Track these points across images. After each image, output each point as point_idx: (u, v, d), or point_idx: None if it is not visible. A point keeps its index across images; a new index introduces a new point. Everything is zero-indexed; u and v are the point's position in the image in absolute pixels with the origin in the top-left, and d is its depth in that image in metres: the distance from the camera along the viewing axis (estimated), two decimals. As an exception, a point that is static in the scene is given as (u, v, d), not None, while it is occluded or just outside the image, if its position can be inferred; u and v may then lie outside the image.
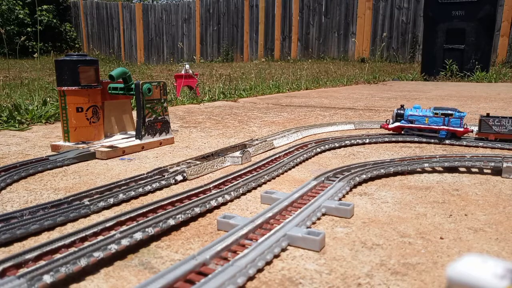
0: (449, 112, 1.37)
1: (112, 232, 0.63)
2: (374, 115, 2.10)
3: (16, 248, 0.64)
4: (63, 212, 0.73)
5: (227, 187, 0.86)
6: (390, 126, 1.45)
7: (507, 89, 3.85)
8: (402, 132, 1.46)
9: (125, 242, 0.61)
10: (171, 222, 0.69)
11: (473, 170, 1.06)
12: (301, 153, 1.19)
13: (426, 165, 1.04)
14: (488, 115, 1.35)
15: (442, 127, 1.37)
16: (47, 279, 0.51)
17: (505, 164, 0.99)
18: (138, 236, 0.63)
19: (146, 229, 0.65)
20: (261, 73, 5.55)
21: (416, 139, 1.41)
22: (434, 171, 1.06)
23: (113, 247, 0.59)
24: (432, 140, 1.40)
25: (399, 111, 1.45)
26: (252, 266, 0.55)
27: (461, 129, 1.36)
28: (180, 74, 2.97)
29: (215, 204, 0.79)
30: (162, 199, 0.77)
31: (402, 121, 1.44)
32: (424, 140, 1.41)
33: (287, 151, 1.20)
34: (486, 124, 1.34)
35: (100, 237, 0.62)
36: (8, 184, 0.95)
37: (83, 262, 0.55)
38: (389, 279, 0.54)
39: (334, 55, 8.75)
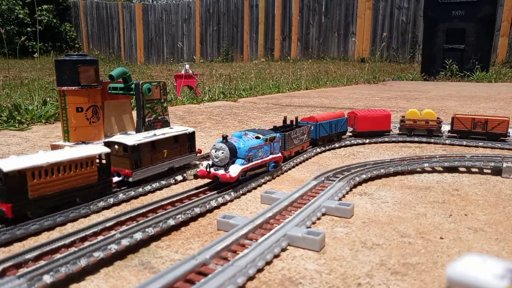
0: (272, 135, 0.98)
1: (112, 232, 0.63)
2: (374, 115, 2.10)
3: (16, 248, 0.64)
4: (63, 212, 0.73)
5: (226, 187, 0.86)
6: (231, 174, 0.84)
7: (507, 89, 3.85)
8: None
9: (125, 242, 0.61)
10: (171, 222, 0.69)
11: (473, 170, 1.06)
12: (301, 153, 1.19)
13: (426, 165, 1.04)
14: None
15: (269, 156, 0.98)
16: (47, 279, 0.51)
17: (505, 164, 0.99)
18: (138, 236, 0.63)
19: (146, 229, 0.65)
20: (261, 73, 5.55)
21: (416, 139, 1.41)
22: (434, 171, 1.06)
23: (113, 247, 0.59)
24: (432, 140, 1.40)
25: (231, 147, 0.87)
26: (252, 266, 0.55)
27: (279, 155, 1.02)
28: (180, 74, 2.97)
29: (215, 204, 0.79)
30: (162, 199, 0.77)
31: (240, 160, 0.88)
32: (424, 140, 1.41)
33: (287, 151, 1.20)
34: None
35: (100, 237, 0.62)
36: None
37: (83, 262, 0.55)
38: (389, 279, 0.54)
39: (334, 55, 8.75)
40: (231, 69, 6.54)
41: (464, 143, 1.36)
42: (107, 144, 0.88)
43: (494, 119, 1.36)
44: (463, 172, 1.04)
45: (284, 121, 1.22)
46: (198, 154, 1.10)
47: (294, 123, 1.21)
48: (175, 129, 1.03)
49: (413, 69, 6.22)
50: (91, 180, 0.79)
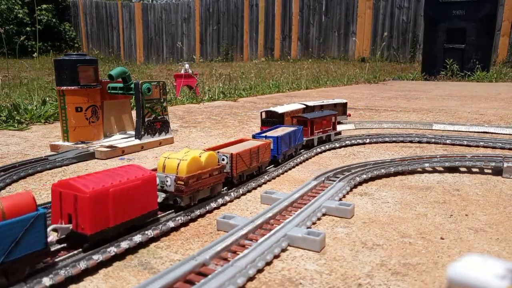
0: None
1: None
2: (375, 115, 2.10)
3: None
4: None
5: (226, 187, 0.85)
6: None
7: (508, 88, 3.85)
8: None
9: (124, 244, 0.60)
10: (171, 224, 0.69)
11: (474, 170, 1.06)
12: (301, 153, 1.19)
13: (426, 165, 1.04)
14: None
15: None
16: (47, 281, 0.50)
17: (505, 164, 0.99)
18: (138, 238, 0.62)
19: (146, 232, 0.64)
20: (261, 73, 5.55)
21: (416, 138, 1.41)
22: (434, 171, 1.05)
23: (113, 250, 0.59)
24: (433, 140, 1.40)
25: None
26: (252, 266, 0.54)
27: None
28: (180, 74, 2.96)
29: (215, 205, 0.79)
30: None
31: None
32: (425, 140, 1.40)
33: (287, 150, 1.20)
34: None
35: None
36: (7, 184, 0.95)
37: (82, 265, 0.54)
38: (389, 279, 0.54)
39: (334, 54, 8.74)
40: (231, 69, 6.54)
41: (465, 143, 1.35)
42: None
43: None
44: (463, 172, 1.04)
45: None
46: (348, 117, 1.76)
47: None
48: (335, 100, 1.68)
49: (414, 69, 6.22)
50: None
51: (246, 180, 0.90)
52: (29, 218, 0.48)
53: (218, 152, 0.85)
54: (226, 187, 0.85)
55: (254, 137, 1.05)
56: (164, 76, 5.42)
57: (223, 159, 0.85)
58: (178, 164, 0.72)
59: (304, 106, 1.57)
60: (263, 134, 1.06)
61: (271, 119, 1.36)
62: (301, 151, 1.20)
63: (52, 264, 0.53)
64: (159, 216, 0.69)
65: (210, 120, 1.97)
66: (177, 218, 0.71)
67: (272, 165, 1.03)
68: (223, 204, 0.82)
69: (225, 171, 0.84)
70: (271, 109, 1.35)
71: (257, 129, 1.69)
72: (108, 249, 0.58)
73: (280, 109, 1.36)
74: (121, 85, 1.36)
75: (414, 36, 7.85)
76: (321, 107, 1.66)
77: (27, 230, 0.48)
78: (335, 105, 1.71)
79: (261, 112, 1.39)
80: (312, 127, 1.23)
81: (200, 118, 2.02)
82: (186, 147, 1.36)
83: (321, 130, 1.27)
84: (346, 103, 1.76)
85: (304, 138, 1.20)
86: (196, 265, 0.53)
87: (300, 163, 1.14)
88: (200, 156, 0.75)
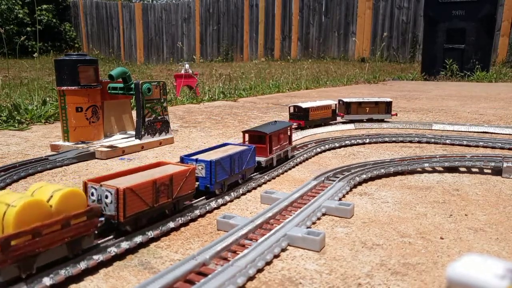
0: None
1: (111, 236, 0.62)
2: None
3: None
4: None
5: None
6: None
7: (508, 89, 3.85)
8: None
9: (124, 245, 0.60)
10: (171, 224, 0.69)
11: (474, 170, 1.06)
12: (301, 153, 1.19)
13: (426, 165, 1.04)
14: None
15: None
16: (47, 281, 0.51)
17: (505, 164, 0.99)
18: (138, 239, 0.62)
19: (146, 232, 0.65)
20: (261, 73, 5.55)
21: (416, 138, 1.41)
22: (434, 171, 1.05)
23: (113, 250, 0.59)
24: (433, 140, 1.40)
25: None
26: (252, 266, 0.55)
27: None
28: (180, 74, 2.97)
29: (215, 206, 0.79)
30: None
31: None
32: (425, 140, 1.40)
33: (287, 151, 1.20)
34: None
35: (100, 240, 0.61)
36: (8, 184, 0.95)
37: (82, 265, 0.55)
38: (389, 279, 0.54)
39: (334, 54, 8.74)
40: (231, 69, 6.54)
41: (465, 142, 1.36)
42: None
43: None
44: (463, 172, 1.04)
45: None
46: (393, 116, 1.76)
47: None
48: (377, 98, 1.74)
49: (413, 69, 6.22)
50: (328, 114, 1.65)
51: (148, 224, 0.66)
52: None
53: (101, 185, 0.61)
54: (111, 236, 0.61)
55: (182, 160, 0.81)
56: (164, 76, 5.42)
57: (106, 196, 0.61)
58: (4, 213, 0.48)
59: (334, 103, 1.66)
60: (194, 157, 0.81)
61: (297, 113, 1.59)
62: (254, 175, 0.95)
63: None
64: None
65: (210, 120, 1.97)
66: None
67: (202, 198, 0.79)
68: (223, 204, 0.82)
69: (109, 213, 0.60)
70: (298, 104, 1.58)
71: (257, 129, 1.70)
72: (108, 249, 0.58)
73: (305, 104, 1.58)
74: (121, 85, 1.36)
75: (414, 36, 7.85)
76: (360, 104, 1.71)
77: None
78: (376, 103, 1.71)
79: (289, 107, 1.62)
80: (271, 144, 1.00)
81: (200, 118, 2.02)
82: (186, 146, 1.36)
83: (279, 146, 1.05)
84: (390, 102, 1.74)
85: (262, 158, 0.97)
86: (196, 264, 0.54)
87: (300, 163, 1.14)
88: (51, 197, 0.51)
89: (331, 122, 1.70)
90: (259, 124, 1.81)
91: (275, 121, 1.11)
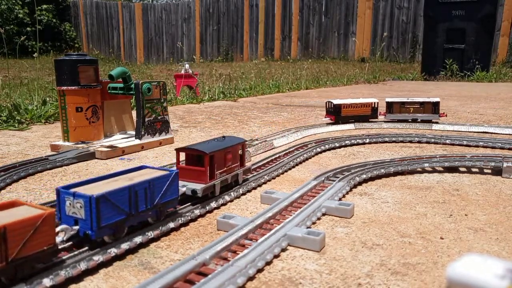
0: None
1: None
2: (374, 115, 2.10)
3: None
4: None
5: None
6: None
7: (507, 89, 3.85)
8: None
9: (124, 245, 0.60)
10: (171, 225, 0.69)
11: (474, 170, 1.06)
12: (301, 153, 1.19)
13: (426, 165, 1.04)
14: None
15: None
16: (47, 282, 0.51)
17: (505, 164, 0.99)
18: (138, 239, 0.62)
19: (146, 232, 0.65)
20: (261, 73, 5.55)
21: (416, 138, 1.41)
22: (434, 171, 1.05)
23: (113, 251, 0.59)
24: (433, 140, 1.40)
25: None
26: (252, 266, 0.55)
27: None
28: (180, 74, 2.97)
29: (215, 206, 0.79)
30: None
31: None
32: (425, 140, 1.40)
33: (287, 151, 1.20)
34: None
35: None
36: (8, 184, 0.95)
37: (82, 266, 0.55)
38: (389, 279, 0.54)
39: (334, 54, 8.74)
40: (231, 69, 6.54)
41: (465, 142, 1.36)
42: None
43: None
44: (463, 172, 1.04)
45: None
46: (442, 117, 1.71)
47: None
48: (423, 98, 1.71)
49: (413, 69, 6.22)
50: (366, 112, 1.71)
51: None
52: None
53: None
54: None
55: (58, 193, 0.58)
56: (164, 76, 5.42)
57: None
58: None
59: (375, 101, 1.71)
60: (74, 189, 0.59)
61: (330, 109, 1.71)
62: (184, 207, 0.75)
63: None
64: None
65: (210, 120, 1.97)
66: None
67: (77, 251, 0.57)
68: (223, 204, 0.82)
69: None
70: (331, 100, 1.71)
71: (257, 129, 1.70)
72: (109, 250, 0.58)
73: (337, 101, 1.68)
74: (121, 85, 1.36)
75: (413, 36, 7.85)
76: (403, 104, 1.71)
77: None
78: (422, 103, 1.68)
79: (326, 102, 1.74)
80: (212, 166, 0.80)
81: (200, 118, 2.02)
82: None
83: (225, 169, 0.84)
84: (438, 102, 1.68)
85: (199, 186, 0.76)
86: (196, 264, 0.54)
87: (300, 163, 1.14)
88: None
89: (371, 119, 1.74)
90: (258, 125, 1.81)
91: (223, 137, 0.89)
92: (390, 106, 1.74)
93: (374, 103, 1.75)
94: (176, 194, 0.70)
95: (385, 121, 1.76)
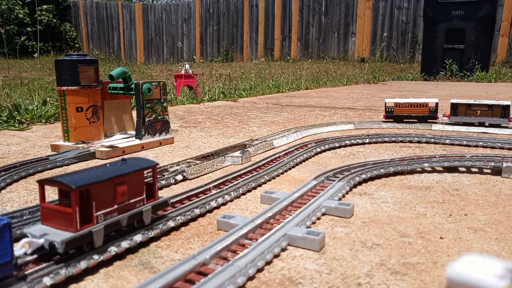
0: None
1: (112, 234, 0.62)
2: (374, 115, 2.10)
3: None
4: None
5: (227, 187, 0.86)
6: None
7: (507, 89, 3.85)
8: None
9: (125, 244, 0.60)
10: (171, 224, 0.69)
11: (473, 170, 1.06)
12: (301, 153, 1.19)
13: (426, 165, 1.04)
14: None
15: None
16: (47, 281, 0.51)
17: (505, 164, 0.99)
18: (138, 238, 0.63)
19: (146, 232, 0.65)
20: (261, 73, 5.55)
21: (416, 138, 1.41)
22: (434, 171, 1.06)
23: (113, 250, 0.59)
24: (432, 140, 1.40)
25: None
26: (252, 266, 0.55)
27: None
28: (180, 74, 2.97)
29: (215, 205, 0.79)
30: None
31: None
32: (424, 140, 1.41)
33: (287, 151, 1.20)
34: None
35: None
36: (8, 184, 0.95)
37: (82, 265, 0.55)
38: (389, 279, 0.54)
39: (334, 55, 8.75)
40: (231, 69, 6.54)
41: (464, 142, 1.36)
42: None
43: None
44: (463, 172, 1.04)
45: None
46: None
47: None
48: (492, 101, 1.62)
49: (413, 69, 6.22)
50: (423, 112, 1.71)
51: None
52: None
53: None
54: None
55: None
56: (165, 76, 5.42)
57: None
58: None
59: (435, 102, 1.71)
60: None
61: (385, 108, 1.78)
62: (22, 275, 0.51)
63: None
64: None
65: (210, 120, 1.97)
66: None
67: None
68: (223, 204, 0.82)
69: None
70: (385, 99, 1.79)
71: (257, 129, 1.70)
72: (109, 249, 0.59)
73: (390, 100, 1.78)
74: (121, 85, 1.36)
75: (413, 36, 7.85)
76: (469, 106, 1.64)
77: None
78: (490, 106, 1.59)
79: (385, 102, 1.81)
80: (89, 205, 0.56)
81: (200, 118, 2.02)
82: (186, 146, 1.36)
83: (116, 207, 0.59)
84: (508, 105, 1.56)
85: (61, 236, 0.53)
86: (196, 264, 0.54)
87: (300, 163, 1.14)
88: None
89: (429, 120, 1.72)
90: (258, 125, 1.82)
91: (123, 160, 0.64)
92: (454, 108, 1.64)
93: (434, 103, 1.69)
94: (7, 256, 0.47)
95: (447, 123, 1.68)
